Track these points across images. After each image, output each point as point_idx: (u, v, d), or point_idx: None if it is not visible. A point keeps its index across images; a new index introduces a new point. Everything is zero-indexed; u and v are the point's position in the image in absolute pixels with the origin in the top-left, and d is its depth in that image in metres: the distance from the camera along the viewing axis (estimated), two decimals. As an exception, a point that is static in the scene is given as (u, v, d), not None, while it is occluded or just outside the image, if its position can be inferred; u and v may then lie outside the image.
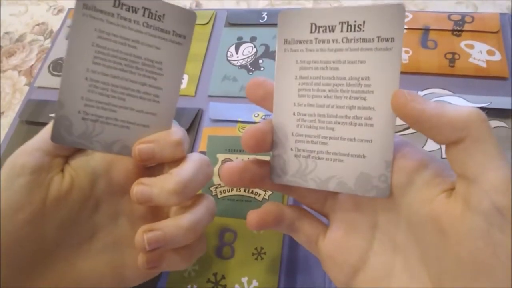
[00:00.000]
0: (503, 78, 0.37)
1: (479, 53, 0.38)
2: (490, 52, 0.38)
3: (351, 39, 0.20)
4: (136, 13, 0.22)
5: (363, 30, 0.19)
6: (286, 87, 0.21)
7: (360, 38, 0.20)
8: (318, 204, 0.24)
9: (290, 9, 0.22)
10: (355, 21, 0.20)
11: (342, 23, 0.20)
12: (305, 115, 0.21)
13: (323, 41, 0.20)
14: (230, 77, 0.41)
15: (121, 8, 0.22)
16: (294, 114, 0.21)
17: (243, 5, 0.51)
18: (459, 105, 0.18)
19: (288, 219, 0.23)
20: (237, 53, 0.43)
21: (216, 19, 0.46)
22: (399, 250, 0.21)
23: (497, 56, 0.38)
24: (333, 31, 0.20)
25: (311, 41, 0.21)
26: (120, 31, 0.23)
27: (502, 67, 0.37)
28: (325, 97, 0.21)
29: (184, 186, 0.22)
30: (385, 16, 0.19)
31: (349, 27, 0.20)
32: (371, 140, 0.20)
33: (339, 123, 0.20)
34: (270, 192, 0.33)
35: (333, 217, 0.23)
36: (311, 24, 0.20)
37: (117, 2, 0.22)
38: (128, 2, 0.22)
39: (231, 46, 0.43)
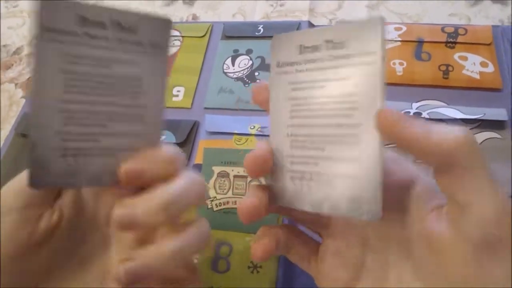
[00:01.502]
0: (497, 90, 0.37)
1: (473, 65, 0.38)
2: (483, 64, 0.38)
3: (335, 57, 0.20)
4: (104, 28, 0.20)
5: (346, 47, 0.20)
6: (280, 109, 0.21)
7: (344, 55, 0.20)
8: (311, 223, 0.24)
9: (282, 34, 0.22)
10: (338, 39, 0.20)
11: (327, 41, 0.20)
12: (297, 135, 0.21)
13: (311, 61, 0.20)
14: (226, 90, 0.41)
15: (86, 26, 0.20)
16: (287, 135, 0.21)
17: (239, 18, 0.52)
18: (447, 125, 0.18)
19: (282, 241, 0.23)
20: (233, 65, 0.43)
21: (212, 32, 0.46)
22: (391, 265, 0.21)
23: (490, 68, 0.38)
24: (319, 50, 0.20)
25: (299, 63, 0.21)
26: (89, 51, 0.20)
27: (495, 79, 0.37)
28: (315, 117, 0.20)
29: (171, 202, 0.20)
30: (365, 31, 0.19)
31: (333, 45, 0.20)
32: (359, 159, 0.19)
33: (328, 142, 0.20)
34: (266, 205, 0.33)
35: (326, 235, 0.23)
36: (300, 46, 0.21)
37: (79, 18, 0.20)
38: (93, 16, 0.20)
39: (227, 58, 0.44)
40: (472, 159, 0.17)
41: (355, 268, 0.21)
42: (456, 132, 0.17)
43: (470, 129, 0.35)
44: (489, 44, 0.39)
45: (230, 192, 0.34)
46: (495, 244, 0.16)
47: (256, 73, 0.42)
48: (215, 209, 0.33)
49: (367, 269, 0.21)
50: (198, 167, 0.36)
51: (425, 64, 0.39)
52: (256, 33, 0.45)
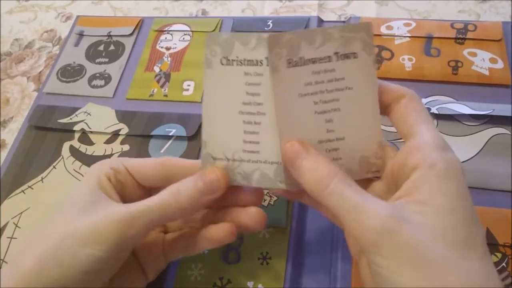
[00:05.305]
0: (506, 86, 0.37)
1: (482, 61, 0.39)
2: (492, 60, 0.39)
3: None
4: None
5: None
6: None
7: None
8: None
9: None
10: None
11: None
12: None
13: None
14: (235, 84, 0.42)
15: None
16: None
17: (248, 14, 0.52)
18: None
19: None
20: (242, 60, 0.43)
21: (222, 27, 0.47)
22: None
23: (500, 64, 0.38)
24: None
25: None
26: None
27: (505, 75, 0.38)
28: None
29: None
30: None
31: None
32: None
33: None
34: (275, 198, 0.33)
35: None
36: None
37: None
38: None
39: (236, 53, 0.44)
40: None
41: None
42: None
43: (479, 124, 0.35)
44: (498, 40, 0.40)
45: (240, 185, 0.34)
46: None
47: (266, 68, 0.42)
48: (225, 201, 0.34)
49: None
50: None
51: (434, 60, 0.39)
52: (266, 28, 0.45)
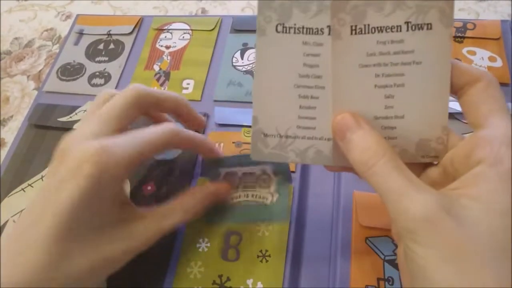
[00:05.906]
0: (505, 84, 0.37)
1: (481, 60, 0.39)
2: (491, 59, 0.39)
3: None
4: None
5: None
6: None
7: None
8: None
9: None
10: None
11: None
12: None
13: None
14: (235, 82, 0.42)
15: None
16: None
17: (248, 12, 0.52)
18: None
19: None
20: (242, 58, 0.44)
21: (221, 26, 0.47)
22: None
23: (499, 63, 0.38)
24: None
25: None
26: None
27: (504, 73, 0.38)
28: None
29: None
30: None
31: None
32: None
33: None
34: (277, 196, 0.33)
35: None
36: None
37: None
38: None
39: (236, 52, 0.44)
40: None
41: None
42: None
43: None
44: (497, 39, 0.40)
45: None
46: None
47: (265, 67, 0.42)
48: (224, 199, 0.34)
49: None
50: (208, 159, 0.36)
51: (433, 58, 0.39)
52: (265, 27, 0.45)
